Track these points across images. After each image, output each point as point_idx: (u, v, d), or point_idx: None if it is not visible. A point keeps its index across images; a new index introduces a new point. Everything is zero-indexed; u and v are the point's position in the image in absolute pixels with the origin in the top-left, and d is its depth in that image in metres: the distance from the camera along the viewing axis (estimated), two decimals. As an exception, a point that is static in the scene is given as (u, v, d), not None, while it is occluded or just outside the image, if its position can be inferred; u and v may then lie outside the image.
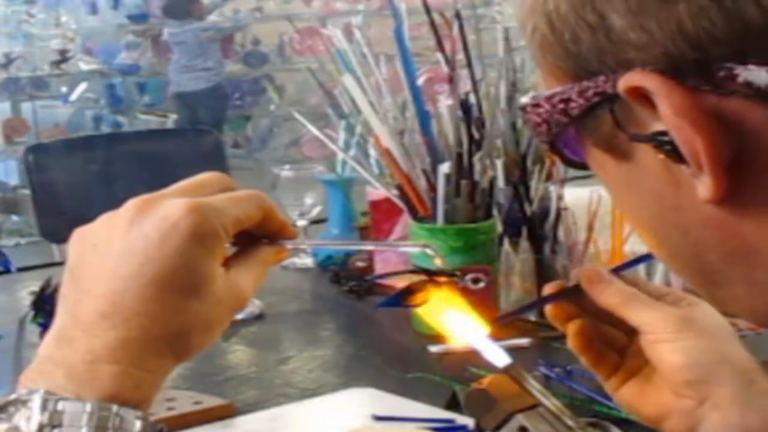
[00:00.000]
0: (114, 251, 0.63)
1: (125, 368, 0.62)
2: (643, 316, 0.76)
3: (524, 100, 0.54)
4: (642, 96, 0.46)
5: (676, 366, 0.74)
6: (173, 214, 0.63)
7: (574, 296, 0.79)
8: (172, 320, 0.63)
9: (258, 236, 0.70)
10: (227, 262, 0.67)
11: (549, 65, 0.51)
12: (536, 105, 0.52)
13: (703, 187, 0.47)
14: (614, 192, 0.54)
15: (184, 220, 0.63)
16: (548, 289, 0.80)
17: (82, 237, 0.66)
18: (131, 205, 0.65)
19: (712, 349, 0.75)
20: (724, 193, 0.46)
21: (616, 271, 0.79)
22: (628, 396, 0.79)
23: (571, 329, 0.79)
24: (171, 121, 7.52)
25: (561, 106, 0.51)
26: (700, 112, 0.45)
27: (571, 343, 0.80)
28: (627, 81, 0.46)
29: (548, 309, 0.80)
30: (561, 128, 0.52)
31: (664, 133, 0.46)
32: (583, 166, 0.55)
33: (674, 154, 0.47)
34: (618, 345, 0.80)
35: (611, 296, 0.77)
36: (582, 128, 0.51)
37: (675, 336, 0.75)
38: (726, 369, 0.74)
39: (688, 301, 0.77)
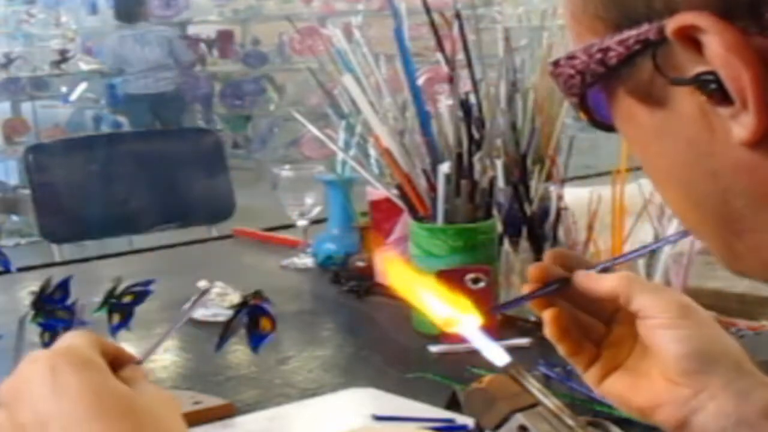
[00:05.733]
0: (40, 426, 0.64)
1: None
2: (644, 299, 0.76)
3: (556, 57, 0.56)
4: (688, 38, 0.48)
5: (678, 355, 0.74)
6: (46, 369, 0.65)
7: (563, 288, 0.79)
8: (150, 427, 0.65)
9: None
10: None
11: (589, 18, 0.53)
12: (571, 57, 0.54)
13: (742, 127, 0.48)
14: (643, 144, 0.55)
15: (58, 365, 0.65)
16: (533, 270, 0.80)
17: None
18: (4, 393, 0.67)
19: (710, 339, 0.76)
20: (763, 134, 0.48)
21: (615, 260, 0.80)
22: (616, 388, 0.79)
23: (548, 316, 0.79)
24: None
25: (599, 56, 0.53)
26: (748, 50, 0.47)
27: (547, 331, 0.80)
28: (678, 21, 0.48)
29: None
30: (595, 79, 0.54)
31: (707, 74, 0.48)
32: (607, 128, 0.57)
33: (717, 94, 0.48)
34: (595, 335, 0.81)
35: (613, 280, 0.77)
36: (617, 79, 0.53)
37: (676, 322, 0.75)
38: (723, 359, 0.75)
39: (681, 294, 0.78)
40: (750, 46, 0.47)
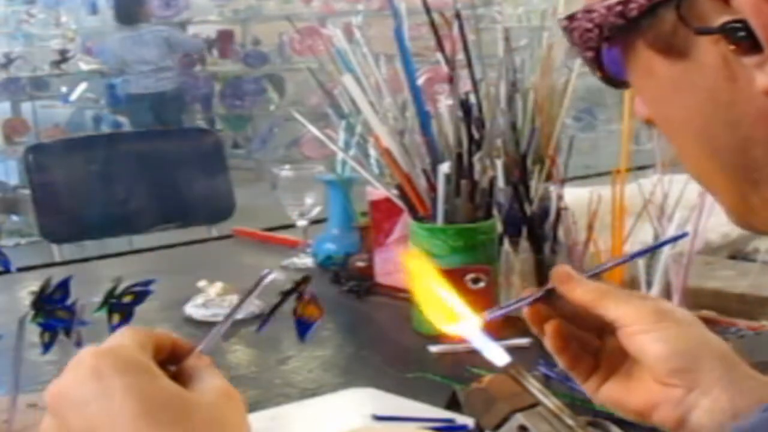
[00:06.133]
0: None
1: None
2: (618, 309, 0.77)
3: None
4: None
5: (661, 355, 0.75)
6: (92, 373, 0.63)
7: (550, 297, 0.79)
8: None
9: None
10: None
11: None
12: (589, 11, 0.54)
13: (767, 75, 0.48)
14: (660, 98, 0.55)
15: (103, 369, 0.63)
16: (526, 292, 0.81)
17: None
18: (51, 404, 0.65)
19: (691, 336, 0.76)
20: None
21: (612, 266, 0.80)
22: (612, 393, 0.80)
23: (549, 329, 0.80)
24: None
25: (618, 8, 0.53)
26: None
27: (549, 344, 0.81)
28: None
29: (525, 312, 0.81)
30: (614, 32, 0.54)
31: (735, 23, 0.48)
32: (620, 84, 0.57)
33: (745, 43, 0.49)
34: (591, 347, 0.81)
35: (586, 293, 0.78)
36: (636, 31, 0.53)
37: (653, 326, 0.76)
38: (708, 354, 0.75)
39: (654, 298, 0.78)
40: None
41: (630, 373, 0.79)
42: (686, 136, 0.55)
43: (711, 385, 0.74)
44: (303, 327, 1.10)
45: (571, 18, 0.56)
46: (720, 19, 0.49)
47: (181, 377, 0.68)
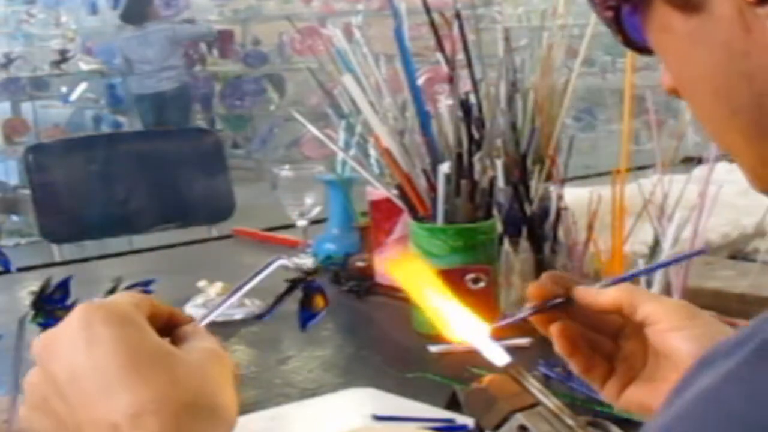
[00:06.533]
0: (74, 382, 0.63)
1: None
2: (648, 307, 0.77)
3: None
4: None
5: (692, 353, 0.74)
6: (81, 322, 0.64)
7: (565, 305, 0.79)
8: (172, 394, 0.63)
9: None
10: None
11: None
12: None
13: None
14: (678, 54, 0.56)
15: (93, 318, 0.64)
16: (532, 289, 0.80)
17: (36, 390, 0.66)
18: (39, 352, 0.66)
19: (719, 338, 0.76)
20: None
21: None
22: (637, 396, 0.79)
23: (555, 331, 0.80)
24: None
25: None
26: None
27: (557, 346, 0.80)
28: None
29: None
30: None
31: None
32: (641, 49, 0.58)
33: None
34: (605, 351, 0.81)
35: (616, 291, 0.78)
36: None
37: (684, 323, 0.76)
38: None
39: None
40: None
41: (652, 375, 0.78)
42: (705, 94, 0.55)
43: None
44: (306, 316, 1.10)
45: None
46: None
47: (173, 341, 0.69)
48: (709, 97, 0.55)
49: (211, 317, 0.73)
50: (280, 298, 1.08)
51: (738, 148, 0.56)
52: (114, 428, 0.61)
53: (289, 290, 1.07)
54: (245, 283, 0.80)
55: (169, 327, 0.70)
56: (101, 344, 0.63)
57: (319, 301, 1.10)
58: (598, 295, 0.78)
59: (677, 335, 0.76)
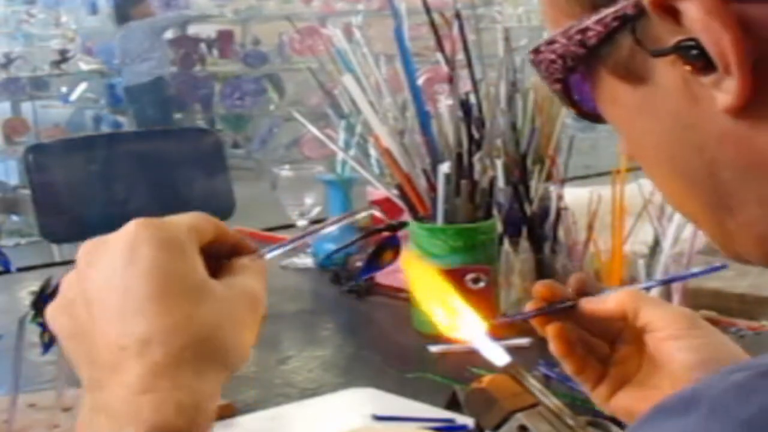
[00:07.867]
0: (101, 293, 0.64)
1: (162, 394, 0.61)
2: (651, 313, 0.77)
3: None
4: (666, 8, 0.48)
5: (689, 364, 0.75)
6: (129, 237, 0.64)
7: (568, 310, 0.79)
8: (186, 327, 0.62)
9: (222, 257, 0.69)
10: (216, 277, 0.67)
11: (566, 0, 0.53)
12: (551, 42, 0.54)
13: (726, 93, 0.48)
14: (628, 125, 0.55)
15: (141, 237, 0.64)
16: (540, 288, 0.80)
17: (65, 301, 0.66)
18: (82, 254, 0.67)
19: (719, 348, 0.76)
20: (746, 99, 0.47)
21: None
22: (626, 401, 0.79)
23: (551, 332, 0.80)
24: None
25: (578, 37, 0.52)
26: (727, 13, 0.47)
27: (553, 347, 0.80)
28: None
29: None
30: (576, 62, 0.53)
31: (687, 41, 0.48)
32: (594, 118, 0.57)
33: (699, 61, 0.48)
34: (600, 354, 0.81)
35: (619, 296, 0.78)
36: (597, 59, 0.53)
37: (684, 332, 0.76)
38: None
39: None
40: (728, 10, 0.47)
41: (645, 381, 0.78)
42: (659, 165, 0.55)
43: None
44: (372, 267, 1.07)
45: (536, 51, 0.55)
46: (674, 39, 0.48)
47: (224, 269, 0.68)
48: (663, 168, 0.54)
49: (279, 251, 0.72)
50: (351, 243, 1.05)
51: (698, 218, 0.55)
52: (122, 350, 0.62)
53: (367, 235, 1.04)
54: (330, 223, 0.79)
55: (232, 254, 0.69)
56: (138, 265, 0.63)
57: (388, 255, 1.07)
58: (603, 303, 0.78)
59: (676, 344, 0.75)
